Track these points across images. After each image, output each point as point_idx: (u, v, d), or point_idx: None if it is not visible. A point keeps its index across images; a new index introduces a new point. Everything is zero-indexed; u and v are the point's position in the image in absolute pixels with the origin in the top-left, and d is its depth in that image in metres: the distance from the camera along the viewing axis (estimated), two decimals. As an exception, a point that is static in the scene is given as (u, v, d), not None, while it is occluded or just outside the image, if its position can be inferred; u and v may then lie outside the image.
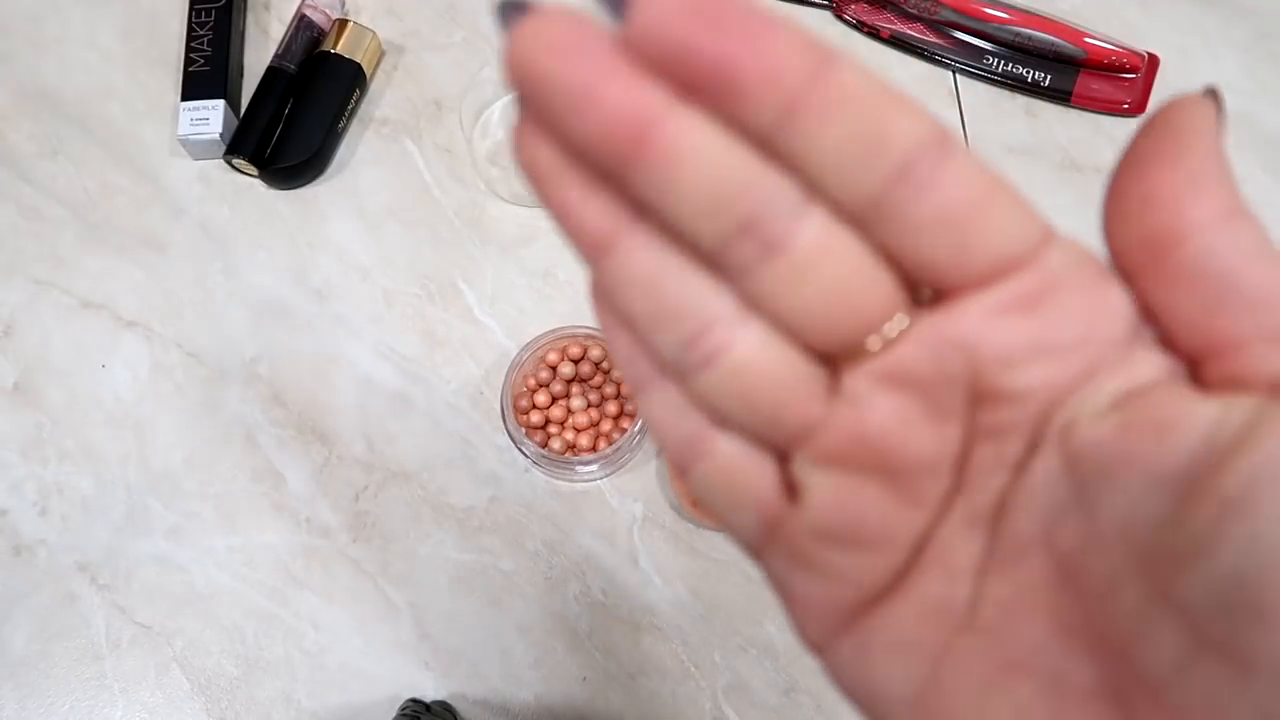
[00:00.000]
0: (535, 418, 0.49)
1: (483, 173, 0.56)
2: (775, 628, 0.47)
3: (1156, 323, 0.15)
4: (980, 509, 0.16)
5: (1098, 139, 0.56)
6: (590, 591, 0.48)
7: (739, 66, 0.13)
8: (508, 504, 0.50)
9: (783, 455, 0.16)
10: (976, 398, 0.15)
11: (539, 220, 0.55)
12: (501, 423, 0.49)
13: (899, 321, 0.15)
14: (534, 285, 0.54)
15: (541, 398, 0.49)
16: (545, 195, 0.15)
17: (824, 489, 0.16)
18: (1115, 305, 0.15)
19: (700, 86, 0.13)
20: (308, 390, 0.52)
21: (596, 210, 0.15)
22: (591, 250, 0.15)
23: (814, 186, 0.14)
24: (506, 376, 0.48)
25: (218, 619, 0.49)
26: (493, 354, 0.52)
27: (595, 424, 0.49)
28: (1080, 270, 0.15)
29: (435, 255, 0.55)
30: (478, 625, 0.48)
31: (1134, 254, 0.15)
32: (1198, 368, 0.15)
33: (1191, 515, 0.13)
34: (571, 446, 0.49)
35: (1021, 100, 0.57)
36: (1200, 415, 0.14)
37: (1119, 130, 0.56)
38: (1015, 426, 0.15)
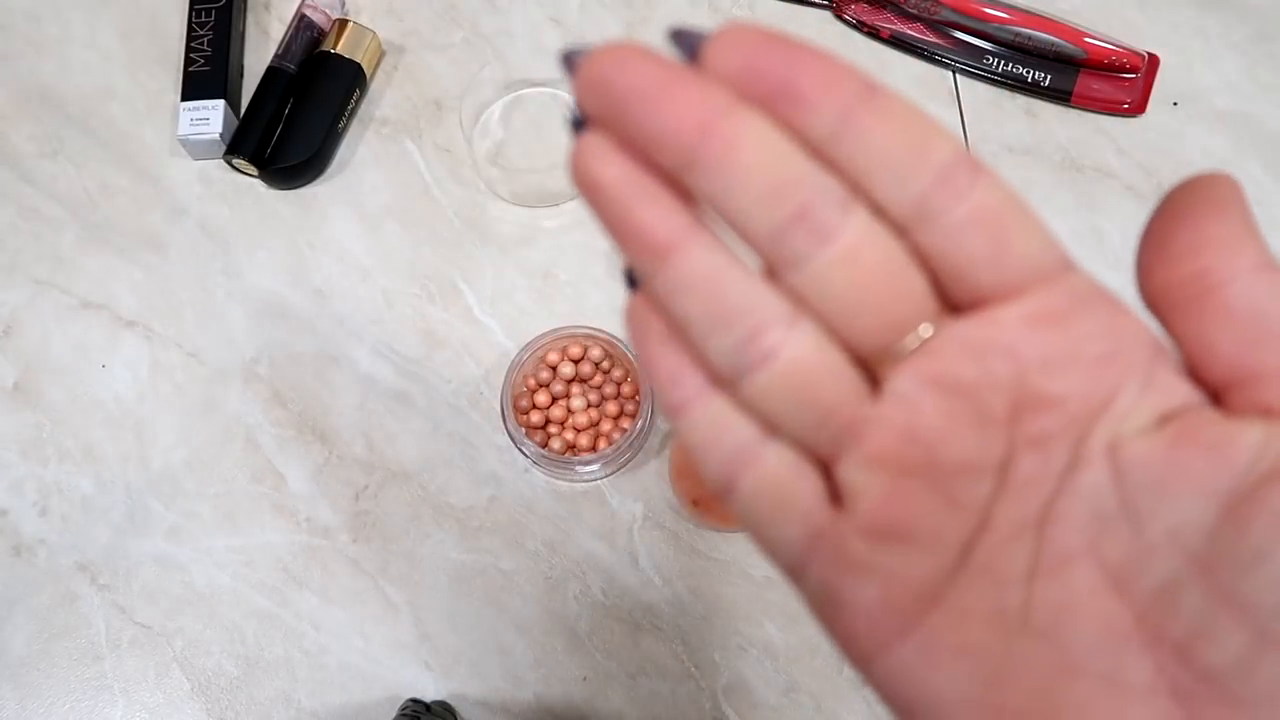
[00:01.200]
0: (535, 417, 0.48)
1: (483, 173, 0.56)
2: (775, 628, 0.47)
3: (1186, 353, 0.17)
4: (1026, 518, 0.16)
5: (1098, 139, 0.56)
6: (590, 591, 0.48)
7: (803, 80, 0.15)
8: (508, 504, 0.50)
9: (827, 462, 0.17)
10: (1018, 404, 0.16)
11: (539, 220, 0.55)
12: (501, 423, 0.49)
13: (926, 329, 0.16)
14: (534, 285, 0.54)
15: (542, 397, 0.49)
16: (606, 207, 0.16)
17: (874, 489, 0.16)
18: (1136, 328, 0.16)
19: (764, 98, 0.15)
20: (308, 390, 0.52)
21: (658, 216, 0.16)
22: (651, 257, 0.16)
23: (859, 190, 0.15)
24: (506, 376, 0.48)
25: (218, 619, 0.49)
26: (493, 354, 0.52)
27: (595, 424, 0.49)
28: (1101, 293, 0.16)
29: (435, 255, 0.55)
30: (478, 625, 0.48)
31: (1175, 291, 0.17)
32: (1221, 395, 0.16)
33: (1249, 526, 0.14)
34: (571, 447, 0.49)
35: (1021, 100, 0.57)
36: (1248, 438, 0.15)
37: (1119, 130, 0.56)
38: (1056, 436, 0.16)
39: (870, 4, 0.59)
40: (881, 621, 0.17)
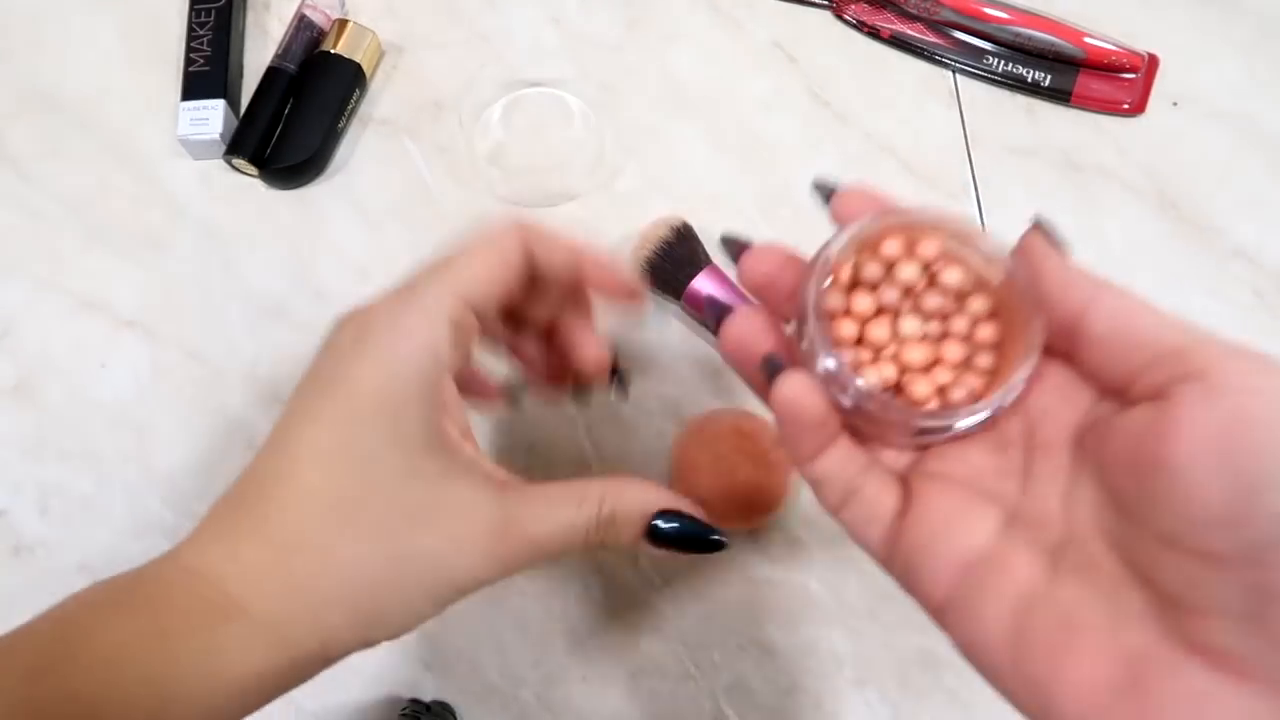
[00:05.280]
0: (848, 328, 0.29)
1: (483, 173, 0.56)
2: (775, 627, 0.47)
3: (1091, 379, 0.25)
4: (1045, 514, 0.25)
5: (1098, 139, 0.56)
6: (590, 591, 0.48)
7: None
8: (508, 504, 0.50)
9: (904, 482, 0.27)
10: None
11: (538, 220, 0.55)
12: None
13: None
14: (534, 285, 0.54)
15: (863, 302, 0.29)
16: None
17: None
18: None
19: None
20: (308, 390, 0.52)
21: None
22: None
23: None
24: (817, 262, 0.28)
25: (218, 619, 0.49)
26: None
27: (928, 367, 0.29)
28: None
29: (435, 255, 0.55)
30: (478, 625, 0.48)
31: (1055, 341, 0.25)
32: (1122, 394, 0.23)
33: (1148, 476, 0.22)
34: (897, 388, 0.29)
35: (1021, 100, 0.57)
36: (1136, 418, 0.22)
37: (1119, 130, 0.56)
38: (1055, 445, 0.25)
39: (870, 4, 0.59)
40: (940, 575, 0.25)
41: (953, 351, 0.27)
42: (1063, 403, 0.25)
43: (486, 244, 0.33)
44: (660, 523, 0.34)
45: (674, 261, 0.50)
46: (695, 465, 0.47)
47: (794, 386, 0.25)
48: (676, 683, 0.47)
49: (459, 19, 0.60)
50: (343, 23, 0.57)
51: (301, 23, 0.58)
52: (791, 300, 0.28)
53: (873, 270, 0.28)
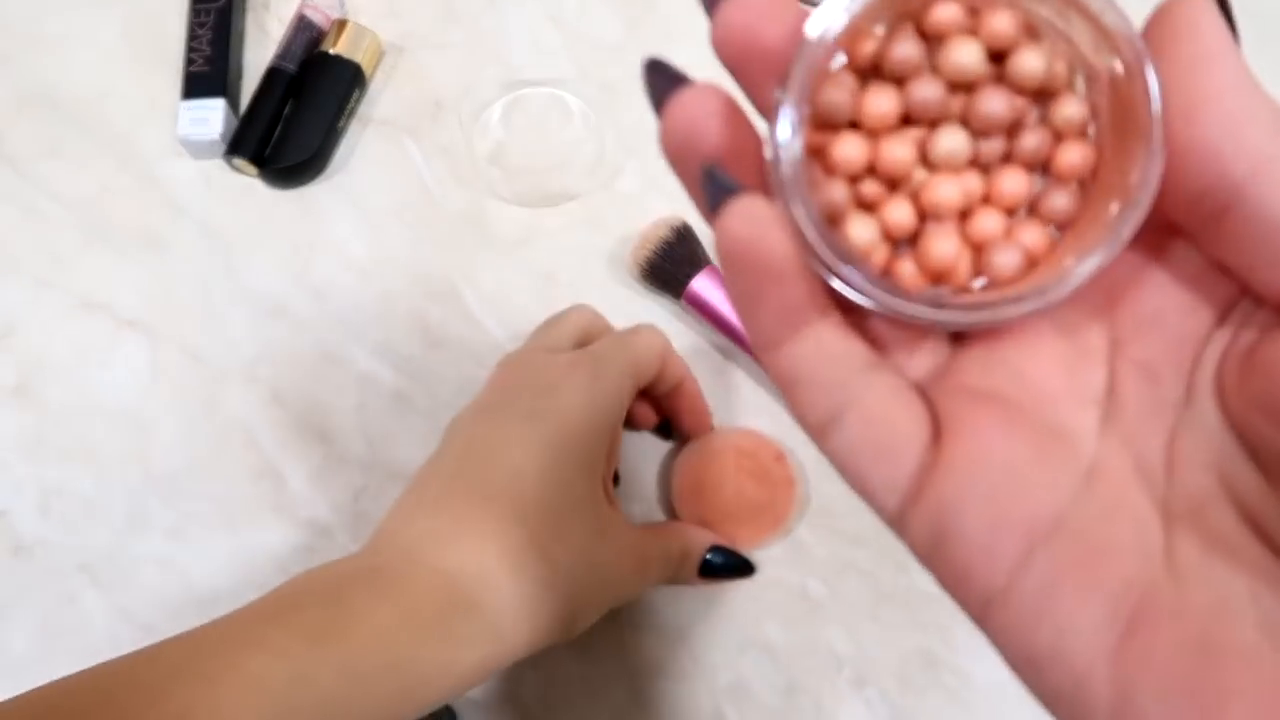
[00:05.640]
0: (850, 146, 0.17)
1: (483, 173, 0.56)
2: (775, 628, 0.47)
3: (1234, 278, 0.16)
4: (1150, 459, 0.17)
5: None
6: (590, 591, 0.48)
7: None
8: (508, 504, 0.50)
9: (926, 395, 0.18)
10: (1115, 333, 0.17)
11: (539, 220, 0.55)
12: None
13: None
14: (534, 286, 0.54)
15: (882, 103, 0.17)
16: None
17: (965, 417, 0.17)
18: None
19: None
20: (307, 390, 0.52)
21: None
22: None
23: None
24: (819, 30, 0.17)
25: (218, 619, 0.49)
26: (492, 354, 0.52)
27: (968, 211, 0.17)
28: None
29: (435, 255, 0.55)
30: (478, 625, 0.48)
31: (1185, 216, 0.16)
32: None
33: None
34: (912, 245, 0.18)
35: (1021, 100, 0.57)
36: None
37: (1119, 130, 0.56)
38: (1162, 364, 0.16)
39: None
40: (998, 549, 0.16)
41: (1012, 184, 0.17)
42: (1182, 305, 0.16)
43: (651, 334, 0.42)
44: (710, 557, 0.43)
45: (674, 261, 0.50)
46: (698, 488, 0.47)
47: (747, 215, 0.16)
48: (676, 683, 0.47)
49: (459, 19, 0.60)
50: (342, 23, 0.57)
51: (301, 23, 0.58)
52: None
53: (907, 50, 0.17)
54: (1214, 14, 0.15)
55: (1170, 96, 0.15)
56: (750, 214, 0.16)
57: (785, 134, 0.16)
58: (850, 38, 0.17)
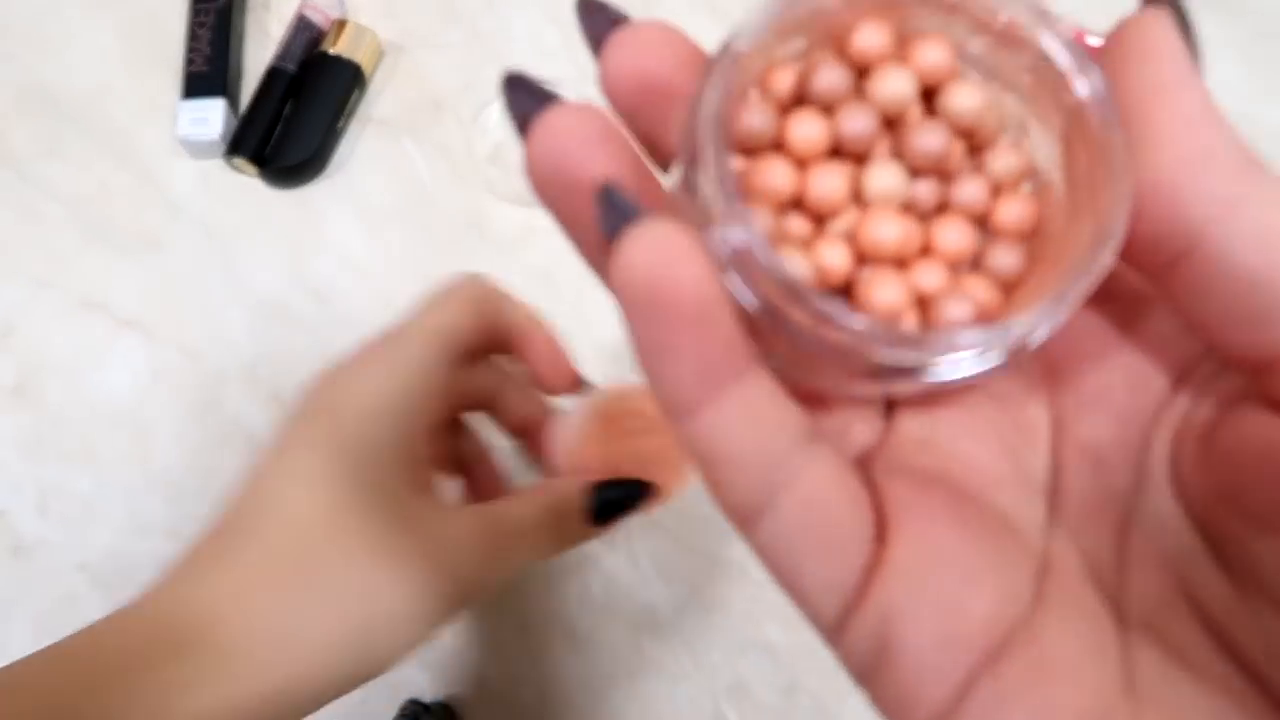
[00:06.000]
0: (776, 173, 0.15)
1: (483, 173, 0.56)
2: (775, 627, 0.47)
3: (1198, 333, 0.14)
4: (1101, 557, 0.15)
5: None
6: (590, 591, 0.48)
7: None
8: (507, 504, 0.50)
9: (866, 472, 0.15)
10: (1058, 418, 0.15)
11: (539, 220, 0.55)
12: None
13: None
14: (534, 286, 0.54)
15: (808, 129, 0.15)
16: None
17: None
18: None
19: None
20: (307, 390, 0.52)
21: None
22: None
23: None
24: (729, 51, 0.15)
25: (217, 619, 0.49)
26: (492, 354, 0.52)
27: (907, 256, 0.15)
28: None
29: (435, 255, 0.55)
30: (477, 625, 0.48)
31: (1140, 263, 0.14)
32: (1259, 379, 0.13)
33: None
34: (846, 289, 0.15)
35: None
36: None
37: (1119, 130, 0.56)
38: (1111, 447, 0.14)
39: (870, 4, 0.59)
40: (945, 668, 0.13)
41: (949, 237, 0.15)
42: (1131, 376, 0.15)
43: (463, 286, 0.36)
44: (596, 497, 0.34)
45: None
46: (584, 469, 0.38)
47: (654, 243, 0.13)
48: (676, 683, 0.47)
49: (459, 19, 0.60)
50: (342, 23, 0.57)
51: (301, 23, 0.58)
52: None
53: (832, 77, 0.14)
54: (1173, 36, 0.13)
55: (1125, 131, 0.13)
56: (658, 240, 0.12)
57: (708, 147, 0.14)
58: (763, 69, 0.15)
